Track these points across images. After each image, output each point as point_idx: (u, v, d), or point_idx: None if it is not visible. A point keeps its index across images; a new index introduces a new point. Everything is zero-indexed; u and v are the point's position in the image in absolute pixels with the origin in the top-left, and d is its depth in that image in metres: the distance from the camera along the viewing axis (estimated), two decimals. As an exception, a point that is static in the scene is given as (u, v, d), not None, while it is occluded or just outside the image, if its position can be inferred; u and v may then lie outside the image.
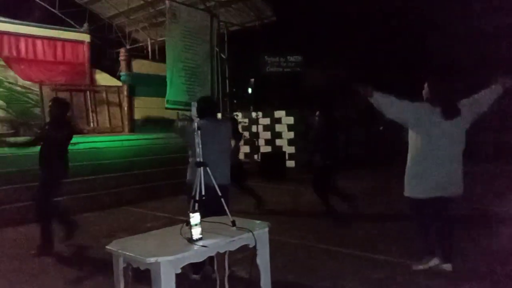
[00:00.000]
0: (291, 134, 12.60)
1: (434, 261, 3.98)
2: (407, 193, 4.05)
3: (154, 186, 8.95)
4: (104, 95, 12.69)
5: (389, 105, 3.94)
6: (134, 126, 11.95)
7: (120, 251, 2.54)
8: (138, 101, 12.25)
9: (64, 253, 5.10)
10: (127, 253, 2.50)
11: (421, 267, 4.02)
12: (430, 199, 3.91)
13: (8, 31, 11.90)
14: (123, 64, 12.30)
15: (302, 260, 4.61)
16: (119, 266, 2.60)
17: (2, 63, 11.86)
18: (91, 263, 4.72)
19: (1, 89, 11.82)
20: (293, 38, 15.19)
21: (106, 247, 2.61)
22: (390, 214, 6.65)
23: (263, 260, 2.97)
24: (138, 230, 5.49)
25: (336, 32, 15.00)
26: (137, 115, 12.07)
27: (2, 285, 4.15)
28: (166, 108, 11.31)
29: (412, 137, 4.04)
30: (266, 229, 3.01)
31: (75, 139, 8.32)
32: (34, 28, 12.43)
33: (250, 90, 15.58)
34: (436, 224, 4.03)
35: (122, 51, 12.65)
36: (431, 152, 3.86)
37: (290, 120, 12.67)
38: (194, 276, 3.88)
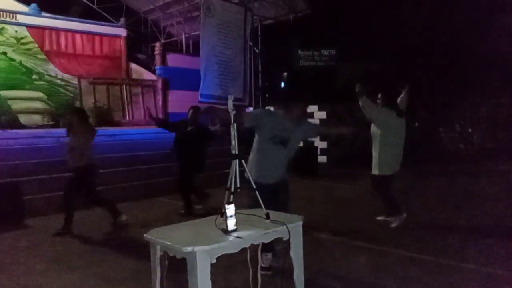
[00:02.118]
0: (324, 129, 12.48)
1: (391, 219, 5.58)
2: (387, 172, 5.53)
3: (187, 178, 9.08)
4: (139, 88, 12.98)
5: (372, 108, 5.43)
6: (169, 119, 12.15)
7: (157, 239, 2.60)
8: (172, 95, 12.44)
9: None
10: (165, 242, 2.54)
11: (381, 218, 5.76)
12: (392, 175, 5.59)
13: (49, 26, 12.36)
14: (158, 58, 12.53)
15: (334, 255, 4.58)
16: (156, 254, 2.66)
17: (43, 56, 12.32)
18: (126, 251, 4.85)
19: (42, 82, 12.29)
20: (327, 32, 14.98)
21: (144, 235, 2.67)
22: (423, 211, 6.50)
23: (296, 253, 2.97)
24: (171, 221, 5.62)
25: (371, 25, 14.68)
26: (171, 109, 12.27)
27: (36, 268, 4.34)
28: (199, 102, 11.45)
29: (377, 133, 5.57)
30: (300, 223, 3.00)
31: (112, 131, 8.53)
32: (74, 23, 12.86)
33: (282, 84, 15.52)
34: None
35: (157, 45, 12.88)
36: (396, 141, 5.53)
37: (323, 114, 12.53)
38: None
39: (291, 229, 2.85)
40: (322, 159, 11.92)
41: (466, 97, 13.13)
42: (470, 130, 13.15)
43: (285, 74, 15.10)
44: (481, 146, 12.65)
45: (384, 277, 3.87)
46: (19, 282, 4.00)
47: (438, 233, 5.23)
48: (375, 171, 5.61)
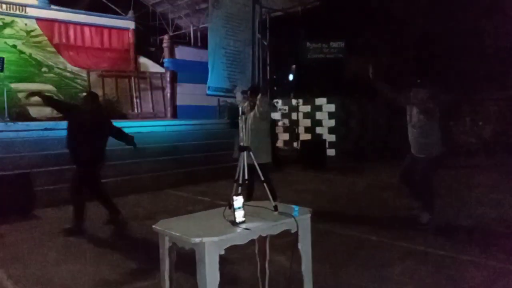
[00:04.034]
0: (332, 122, 12.43)
1: None
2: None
3: (195, 170, 9.12)
4: (147, 81, 13.01)
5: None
6: (177, 112, 12.18)
7: (166, 230, 2.61)
8: (181, 87, 12.45)
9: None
10: (173, 233, 2.55)
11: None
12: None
13: (59, 19, 12.40)
14: (166, 51, 12.52)
15: (343, 248, 4.58)
16: (165, 245, 2.67)
17: (53, 49, 12.37)
18: (134, 243, 4.89)
19: (51, 75, 12.35)
20: (336, 24, 14.85)
21: (153, 226, 2.68)
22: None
23: (304, 245, 2.96)
24: (179, 213, 5.62)
25: (380, 17, 14.54)
26: (179, 101, 12.29)
27: (43, 260, 4.39)
28: (208, 95, 11.45)
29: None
30: (308, 215, 2.99)
31: (120, 123, 8.57)
32: (83, 16, 12.88)
33: (291, 77, 15.44)
34: None
35: (165, 38, 12.87)
36: None
37: (331, 107, 12.48)
38: None
39: (299, 221, 2.84)
40: (331, 152, 11.88)
41: (477, 91, 12.98)
42: (480, 123, 13.02)
43: (294, 66, 15.02)
44: (491, 140, 12.52)
45: (394, 269, 3.86)
46: (33, 273, 4.05)
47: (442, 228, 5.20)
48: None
